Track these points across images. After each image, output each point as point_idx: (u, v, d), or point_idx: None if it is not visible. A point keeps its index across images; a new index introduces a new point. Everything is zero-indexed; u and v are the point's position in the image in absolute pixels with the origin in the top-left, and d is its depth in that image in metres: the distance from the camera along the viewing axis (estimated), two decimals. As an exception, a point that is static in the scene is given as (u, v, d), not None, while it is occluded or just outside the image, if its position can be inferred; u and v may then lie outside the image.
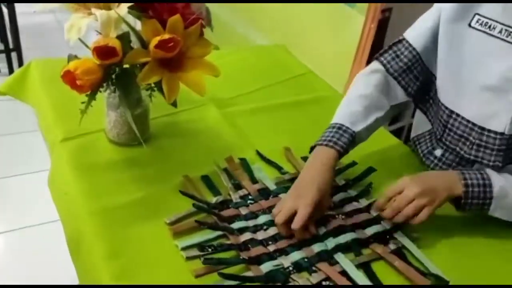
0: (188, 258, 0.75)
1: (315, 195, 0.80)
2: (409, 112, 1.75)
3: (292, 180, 0.94)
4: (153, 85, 0.82)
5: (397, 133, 1.80)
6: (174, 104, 0.84)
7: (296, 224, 0.78)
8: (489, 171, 0.85)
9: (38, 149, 1.05)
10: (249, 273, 0.73)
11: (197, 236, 0.78)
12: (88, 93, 0.77)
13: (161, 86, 0.79)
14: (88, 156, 0.93)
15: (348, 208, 0.89)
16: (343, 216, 0.87)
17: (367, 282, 0.74)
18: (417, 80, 0.98)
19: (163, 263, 0.74)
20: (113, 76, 0.79)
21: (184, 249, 0.76)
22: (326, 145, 0.88)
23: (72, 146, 0.95)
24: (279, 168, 0.98)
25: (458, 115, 0.90)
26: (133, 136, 0.96)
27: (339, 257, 0.78)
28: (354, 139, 0.92)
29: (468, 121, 0.88)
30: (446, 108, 0.92)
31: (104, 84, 0.79)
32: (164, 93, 0.79)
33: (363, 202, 0.91)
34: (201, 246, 0.72)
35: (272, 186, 0.92)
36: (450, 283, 0.76)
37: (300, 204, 0.79)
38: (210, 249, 0.73)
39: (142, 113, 0.94)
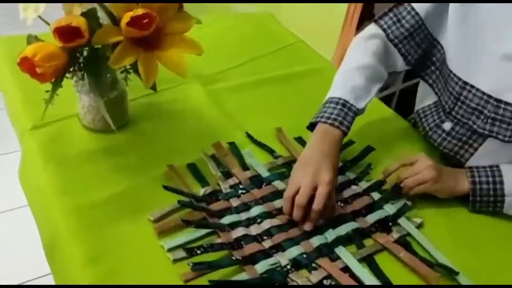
0: (176, 261, 0.68)
1: (332, 174, 0.76)
2: (400, 76, 1.67)
3: (286, 164, 0.88)
4: (128, 67, 0.73)
5: (387, 100, 1.72)
6: (154, 88, 0.75)
7: (318, 204, 0.73)
8: (505, 167, 0.81)
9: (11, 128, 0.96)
10: (243, 275, 0.67)
11: (184, 234, 0.71)
12: (52, 81, 0.68)
13: (137, 68, 0.70)
14: (61, 146, 0.85)
15: (347, 193, 0.83)
16: (341, 204, 0.81)
17: (371, 277, 0.69)
18: (418, 47, 0.91)
19: (148, 267, 0.67)
20: (81, 61, 0.70)
21: (171, 250, 0.70)
22: (332, 124, 0.82)
23: (43, 134, 0.87)
24: (271, 151, 0.91)
25: (472, 86, 0.83)
26: (111, 121, 0.88)
27: (341, 251, 0.73)
28: (356, 116, 0.86)
29: (484, 93, 0.82)
30: (459, 79, 0.85)
31: (70, 70, 0.70)
32: (140, 76, 0.71)
33: (363, 185, 0.85)
34: (189, 249, 0.66)
35: (264, 173, 0.85)
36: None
37: (319, 181, 0.74)
38: (199, 252, 0.66)
39: (118, 96, 0.85)
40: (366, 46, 0.92)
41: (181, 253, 0.68)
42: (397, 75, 0.98)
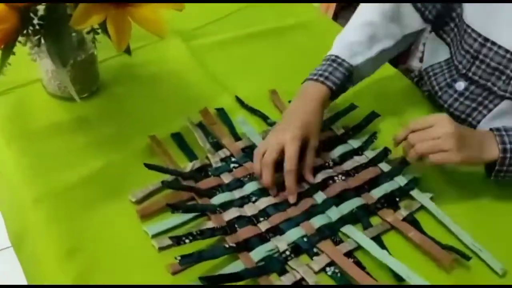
0: (162, 249, 0.61)
1: (299, 128, 0.70)
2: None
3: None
4: (96, 27, 0.63)
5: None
6: (127, 51, 0.65)
7: (290, 165, 0.67)
8: None
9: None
10: (237, 264, 0.60)
11: (170, 217, 0.64)
12: (1, 48, 0.57)
13: (107, 28, 0.59)
14: (24, 119, 0.75)
15: (349, 164, 0.76)
16: (343, 177, 0.73)
17: (390, 258, 0.63)
18: (436, 2, 0.81)
19: (132, 258, 0.60)
20: (35, 22, 0.59)
21: (156, 236, 0.62)
22: (316, 80, 0.76)
23: (1, 104, 0.77)
24: (264, 117, 0.82)
25: (494, 43, 0.75)
26: (80, 87, 0.78)
27: (349, 229, 0.66)
28: (352, 74, 0.78)
29: (507, 50, 0.73)
30: (479, 35, 0.76)
31: (24, 33, 0.59)
32: (111, 37, 0.60)
33: (369, 154, 0.78)
34: (176, 238, 0.58)
35: (259, 142, 0.77)
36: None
37: (285, 139, 0.68)
38: (187, 241, 0.59)
39: (87, 59, 0.75)
40: (375, 4, 0.83)
41: (167, 241, 0.61)
42: (416, 37, 0.88)
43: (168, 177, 0.69)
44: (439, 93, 0.85)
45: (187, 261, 0.56)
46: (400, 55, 1.03)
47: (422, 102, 0.91)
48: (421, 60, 1.65)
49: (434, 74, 0.87)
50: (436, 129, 0.68)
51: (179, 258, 0.55)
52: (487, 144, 0.69)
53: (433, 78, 0.87)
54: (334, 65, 0.77)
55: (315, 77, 0.76)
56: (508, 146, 0.67)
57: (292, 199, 0.68)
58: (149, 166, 0.66)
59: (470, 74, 0.79)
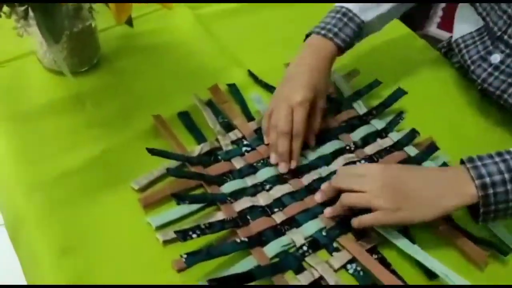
0: (166, 242, 0.56)
1: (308, 88, 0.66)
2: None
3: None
4: (92, -6, 0.56)
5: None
6: (129, 22, 0.58)
7: (298, 129, 0.64)
8: None
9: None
10: (250, 260, 0.55)
11: (176, 207, 0.58)
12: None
13: (105, -4, 0.53)
14: (16, 96, 0.69)
15: (373, 148, 0.70)
16: (365, 162, 0.67)
17: (419, 251, 0.57)
18: None
19: (133, 253, 0.55)
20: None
21: (160, 228, 0.57)
22: (325, 35, 0.70)
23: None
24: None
25: None
26: (78, 60, 0.72)
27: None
28: (362, 30, 0.72)
29: None
30: None
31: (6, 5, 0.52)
32: (110, 7, 0.54)
33: (393, 137, 0.71)
34: (182, 232, 0.53)
35: (273, 124, 0.71)
36: None
37: (295, 101, 0.65)
38: (194, 236, 0.53)
39: (85, 29, 0.68)
40: None
41: (172, 234, 0.55)
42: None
43: (173, 163, 0.63)
44: (472, 67, 0.77)
45: (194, 259, 0.51)
46: (417, 21, 0.95)
47: (452, 76, 0.83)
48: (439, 26, 1.56)
49: (465, 46, 0.79)
50: (366, 181, 0.57)
51: (184, 256, 0.50)
52: (457, 185, 0.55)
53: (464, 51, 0.79)
54: (345, 19, 0.71)
55: (323, 32, 0.70)
56: (488, 179, 0.53)
57: (294, 163, 0.65)
58: (152, 151, 0.60)
59: (506, 38, 0.71)
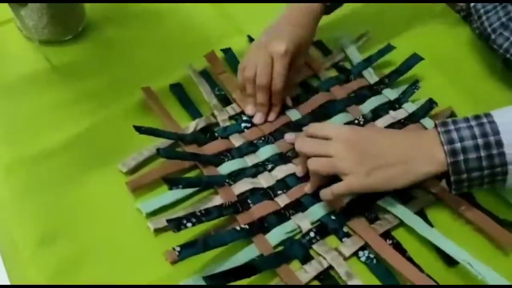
0: (158, 230, 0.51)
1: (290, 41, 0.60)
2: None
3: (301, 83, 0.67)
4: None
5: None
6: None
7: (276, 84, 0.60)
8: (498, 113, 0.50)
9: None
10: (251, 249, 0.50)
11: (168, 192, 0.52)
12: None
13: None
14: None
15: (385, 121, 0.63)
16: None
17: (439, 236, 0.51)
18: None
19: (122, 242, 0.50)
20: None
21: (151, 215, 0.52)
22: None
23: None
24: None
25: None
26: (61, 28, 0.65)
27: (386, 202, 0.54)
28: None
29: None
30: None
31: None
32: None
33: (408, 108, 0.65)
34: (175, 221, 0.47)
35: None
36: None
37: (276, 51, 0.59)
38: (189, 224, 0.48)
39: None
40: None
41: (165, 222, 0.50)
42: None
43: (165, 141, 0.57)
44: (493, 36, 0.70)
45: (189, 252, 0.45)
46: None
47: (474, 42, 0.76)
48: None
49: (485, 12, 0.71)
50: (331, 143, 0.52)
51: (178, 249, 0.45)
52: (428, 150, 0.50)
53: (484, 18, 0.71)
54: None
55: None
56: (458, 145, 0.48)
57: (273, 116, 0.62)
58: (140, 130, 0.54)
59: None
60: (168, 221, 0.47)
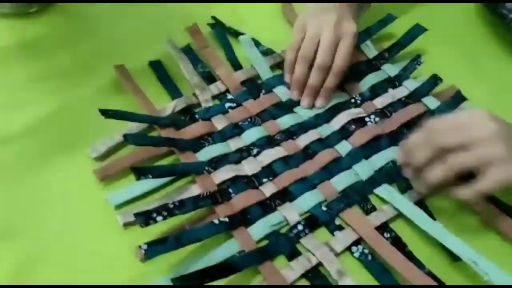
0: (128, 225, 0.46)
1: (356, 23, 0.57)
2: None
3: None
4: None
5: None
6: None
7: (343, 61, 0.56)
8: None
9: None
10: (231, 244, 0.45)
11: (140, 180, 0.47)
12: None
13: None
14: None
15: (384, 100, 0.58)
16: (375, 118, 0.56)
17: (441, 230, 0.46)
18: None
19: (89, 238, 0.45)
20: None
21: (121, 207, 0.47)
22: None
23: None
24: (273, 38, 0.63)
25: None
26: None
27: (385, 190, 0.49)
28: None
29: None
30: None
31: None
32: None
33: (409, 86, 0.59)
34: (144, 216, 0.42)
35: (266, 73, 0.59)
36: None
37: (343, 32, 0.56)
38: (159, 218, 0.43)
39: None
40: None
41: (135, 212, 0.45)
42: None
43: (140, 124, 0.52)
44: None
45: (157, 251, 0.40)
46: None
47: (482, 11, 0.69)
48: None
49: None
50: (472, 131, 0.42)
51: (144, 247, 0.40)
52: None
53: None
54: None
55: None
56: None
57: (321, 102, 0.57)
58: (107, 113, 0.48)
59: None
60: (135, 215, 0.42)
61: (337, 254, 0.45)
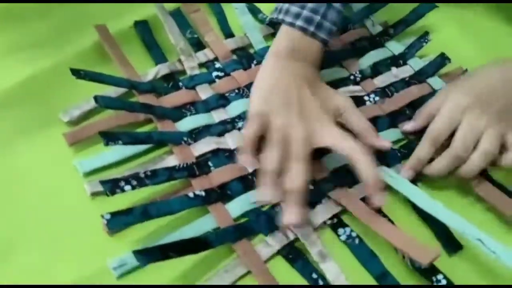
0: (94, 194, 0.43)
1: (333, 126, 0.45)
2: None
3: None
4: None
5: None
6: None
7: (296, 182, 0.42)
8: None
9: None
10: (206, 221, 0.41)
11: (112, 149, 0.44)
12: None
13: None
14: None
15: (386, 79, 0.54)
16: (375, 97, 0.52)
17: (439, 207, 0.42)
18: None
19: (58, 208, 0.42)
20: None
21: (89, 175, 0.44)
22: (305, 30, 0.47)
23: None
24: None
25: None
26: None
27: (383, 171, 0.46)
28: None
29: None
30: None
31: None
32: None
33: (414, 65, 0.55)
34: (111, 183, 0.39)
35: (259, 43, 0.55)
36: None
37: (314, 139, 0.44)
38: (128, 187, 0.40)
39: None
40: None
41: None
42: None
43: (118, 90, 0.49)
44: None
45: (120, 221, 0.37)
46: None
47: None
48: None
49: None
50: (470, 120, 0.46)
51: (107, 217, 0.37)
52: None
53: None
54: None
55: (299, 23, 0.47)
56: None
57: (294, 218, 0.41)
58: (78, 73, 0.45)
59: None
60: (101, 182, 0.39)
61: (315, 229, 0.42)
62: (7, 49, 0.53)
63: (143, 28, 0.55)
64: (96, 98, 0.43)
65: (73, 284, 0.38)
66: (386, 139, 0.48)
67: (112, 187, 0.39)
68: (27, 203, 0.43)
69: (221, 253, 0.40)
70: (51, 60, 0.52)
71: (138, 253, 0.35)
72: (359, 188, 0.45)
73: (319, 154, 0.46)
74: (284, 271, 0.40)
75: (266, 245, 0.41)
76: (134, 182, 0.40)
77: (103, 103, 0.44)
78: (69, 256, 0.40)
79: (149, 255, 0.35)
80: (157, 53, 0.53)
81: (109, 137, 0.41)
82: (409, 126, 0.49)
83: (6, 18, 0.56)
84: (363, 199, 0.44)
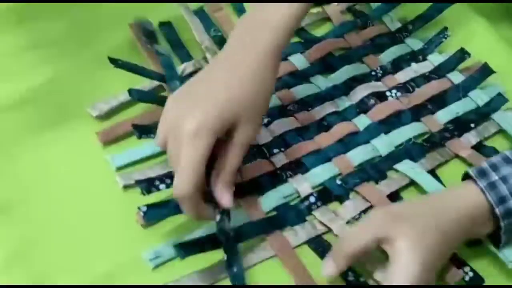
0: (127, 187, 0.44)
1: (219, 108, 0.38)
2: None
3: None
4: None
5: None
6: None
7: (180, 190, 0.37)
8: None
9: None
10: (239, 215, 0.42)
11: (144, 142, 0.45)
12: None
13: None
14: None
15: (406, 74, 0.55)
16: (396, 93, 0.53)
17: None
18: None
19: (89, 205, 0.43)
20: None
21: (121, 169, 0.45)
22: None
23: None
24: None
25: None
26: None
27: (405, 166, 0.47)
28: None
29: None
30: None
31: None
32: None
33: (434, 60, 0.56)
34: (146, 182, 0.39)
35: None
36: None
37: (187, 129, 0.37)
38: (162, 186, 0.40)
39: None
40: None
41: (136, 175, 0.43)
42: None
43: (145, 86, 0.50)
44: None
45: (157, 214, 0.38)
46: None
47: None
48: None
49: None
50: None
51: (144, 209, 0.38)
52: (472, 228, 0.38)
53: None
54: None
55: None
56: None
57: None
58: (116, 62, 0.46)
59: None
60: (137, 182, 0.40)
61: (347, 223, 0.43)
62: (33, 46, 0.54)
63: (168, 29, 0.56)
64: (130, 91, 0.45)
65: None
66: (410, 133, 0.49)
67: (148, 186, 0.40)
68: (58, 196, 0.44)
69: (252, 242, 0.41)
70: (75, 59, 0.53)
71: (178, 247, 0.35)
72: (385, 184, 0.46)
73: (344, 146, 0.47)
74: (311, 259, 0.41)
75: (294, 233, 0.42)
76: (168, 181, 0.41)
77: (136, 96, 0.45)
78: (102, 247, 0.41)
79: (188, 248, 0.36)
80: (183, 52, 0.55)
81: (142, 130, 0.42)
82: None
83: (22, 10, 0.57)
84: (390, 196, 0.45)
